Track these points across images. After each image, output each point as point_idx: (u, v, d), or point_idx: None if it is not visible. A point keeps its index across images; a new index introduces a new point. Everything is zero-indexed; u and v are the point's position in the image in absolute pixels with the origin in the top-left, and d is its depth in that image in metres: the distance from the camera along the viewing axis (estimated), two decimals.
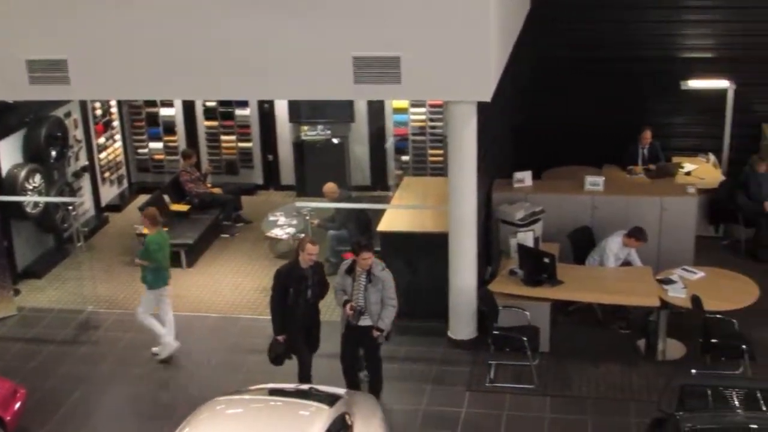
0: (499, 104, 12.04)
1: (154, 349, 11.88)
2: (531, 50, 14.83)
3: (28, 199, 13.86)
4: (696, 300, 10.73)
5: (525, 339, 10.83)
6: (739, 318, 11.02)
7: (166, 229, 12.25)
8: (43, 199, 14.13)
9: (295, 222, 14.59)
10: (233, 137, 17.44)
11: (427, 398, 10.89)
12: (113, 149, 16.95)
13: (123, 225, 16.08)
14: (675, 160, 14.99)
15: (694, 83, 15.13)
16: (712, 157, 15.30)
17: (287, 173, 17.36)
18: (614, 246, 12.06)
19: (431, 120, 16.77)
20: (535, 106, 15.66)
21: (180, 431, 8.44)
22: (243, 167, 17.56)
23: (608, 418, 10.35)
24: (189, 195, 15.61)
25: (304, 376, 10.52)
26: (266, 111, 17.13)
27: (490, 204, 13.04)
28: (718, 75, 15.11)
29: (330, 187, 13.82)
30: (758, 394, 8.69)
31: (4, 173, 13.71)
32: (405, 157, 17.00)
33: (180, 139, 17.55)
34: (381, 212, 13.11)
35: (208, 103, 17.23)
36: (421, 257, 12.25)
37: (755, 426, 8.26)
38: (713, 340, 10.64)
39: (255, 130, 17.35)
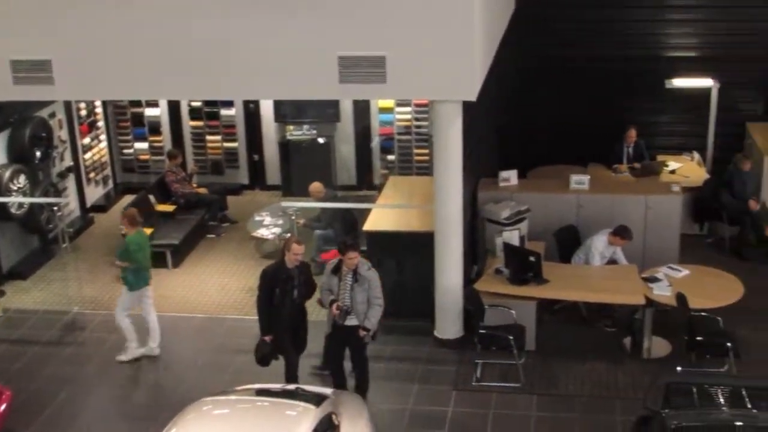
0: (485, 104, 12.06)
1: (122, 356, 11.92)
2: (516, 50, 14.85)
3: (13, 200, 13.80)
4: (681, 298, 10.78)
5: (511, 338, 10.85)
6: (723, 316, 11.07)
7: (150, 231, 12.21)
8: (27, 200, 14.07)
9: (281, 222, 14.57)
10: (219, 137, 17.40)
11: (413, 398, 10.90)
12: (98, 150, 16.90)
13: (108, 226, 16.03)
14: (660, 158, 15.05)
15: (679, 82, 15.18)
16: (696, 155, 15.36)
17: (273, 173, 17.35)
18: (600, 244, 12.10)
19: (417, 119, 16.78)
20: (520, 105, 15.70)
21: None
22: (228, 167, 17.52)
23: (594, 416, 10.38)
24: (175, 195, 15.59)
25: (291, 376, 10.51)
26: (251, 111, 17.11)
27: (475, 203, 13.05)
28: (702, 74, 15.18)
29: (316, 186, 13.82)
30: (743, 392, 8.71)
31: None
32: (391, 157, 17.02)
33: (165, 140, 17.51)
34: (367, 212, 13.12)
35: (194, 103, 17.19)
36: (407, 256, 12.26)
37: (740, 423, 8.29)
38: (698, 338, 10.69)
39: (240, 130, 17.32)
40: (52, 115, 15.16)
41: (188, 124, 17.42)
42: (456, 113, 11.03)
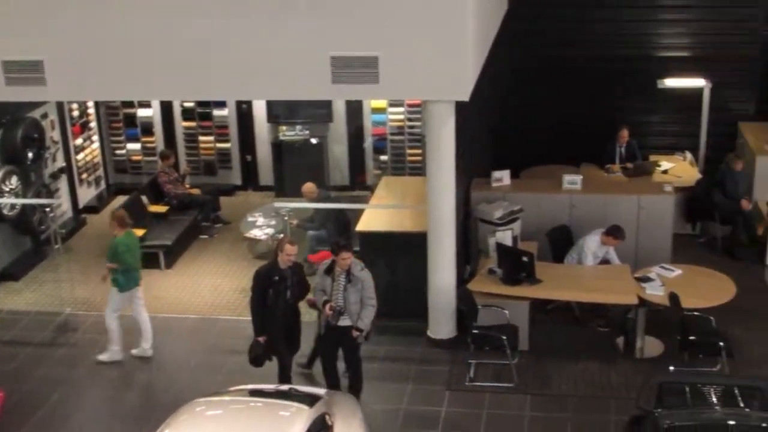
0: (478, 104, 12.07)
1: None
2: (509, 50, 14.85)
3: (5, 200, 13.77)
4: (674, 297, 10.80)
5: (504, 338, 10.86)
6: (716, 315, 11.09)
7: (143, 232, 12.18)
8: (20, 201, 14.04)
9: (273, 222, 14.56)
10: (211, 138, 17.38)
11: (407, 398, 10.90)
12: (91, 150, 16.86)
13: (101, 227, 15.96)
14: (652, 158, 15.08)
15: (671, 82, 15.20)
16: (688, 155, 15.39)
17: (266, 174, 17.33)
18: (592, 244, 12.11)
19: (409, 120, 16.78)
20: (513, 105, 15.70)
21: None
22: (221, 168, 17.50)
23: (588, 416, 10.39)
24: (167, 196, 15.56)
25: (284, 376, 10.51)
26: (244, 111, 17.08)
27: (468, 203, 13.06)
28: (694, 74, 15.19)
29: (309, 187, 13.81)
30: (736, 391, 8.74)
31: None
32: (383, 157, 17.01)
33: (158, 140, 17.47)
34: (360, 212, 13.12)
35: (186, 104, 17.16)
36: (400, 257, 12.26)
37: (733, 422, 8.31)
38: (691, 338, 10.70)
39: (233, 130, 17.30)
40: (45, 115, 15.12)
41: (181, 124, 17.38)
42: (449, 113, 11.03)
